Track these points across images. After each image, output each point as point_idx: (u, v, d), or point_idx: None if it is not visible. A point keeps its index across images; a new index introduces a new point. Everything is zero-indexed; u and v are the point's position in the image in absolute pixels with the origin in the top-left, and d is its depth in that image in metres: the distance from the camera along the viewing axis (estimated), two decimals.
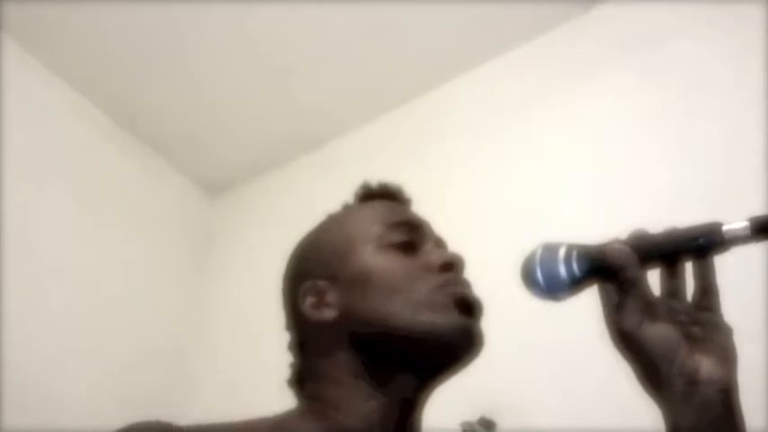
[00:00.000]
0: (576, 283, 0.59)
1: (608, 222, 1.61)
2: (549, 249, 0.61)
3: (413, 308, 0.72)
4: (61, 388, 1.92)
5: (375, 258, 0.77)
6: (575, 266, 0.60)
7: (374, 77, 2.23)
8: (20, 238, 1.95)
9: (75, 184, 2.21)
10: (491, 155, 1.99)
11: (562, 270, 0.60)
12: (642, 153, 1.72)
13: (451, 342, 0.72)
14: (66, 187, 2.18)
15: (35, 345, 1.91)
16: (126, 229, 2.31)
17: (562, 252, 0.60)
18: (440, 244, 0.84)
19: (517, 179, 1.90)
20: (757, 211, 1.51)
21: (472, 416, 1.52)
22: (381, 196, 0.89)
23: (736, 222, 0.56)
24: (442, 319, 0.72)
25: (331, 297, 0.77)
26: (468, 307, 0.74)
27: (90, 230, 2.20)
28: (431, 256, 0.78)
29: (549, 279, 0.60)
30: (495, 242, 1.71)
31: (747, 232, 0.55)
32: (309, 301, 0.78)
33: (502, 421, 1.52)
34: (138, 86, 2.30)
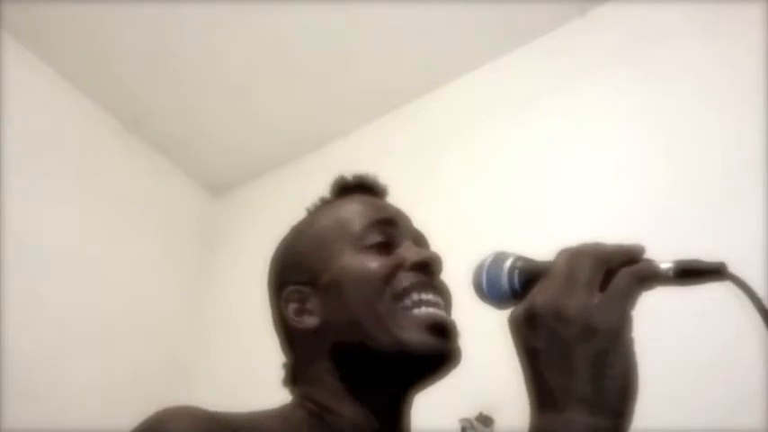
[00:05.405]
0: (517, 297, 0.59)
1: (607, 224, 1.62)
2: (498, 259, 0.61)
3: (387, 326, 0.73)
4: (62, 386, 1.92)
5: (350, 263, 0.77)
6: (516, 280, 0.60)
7: (376, 78, 2.23)
8: (22, 237, 1.95)
9: (79, 183, 2.21)
10: (493, 153, 1.99)
11: (504, 282, 0.60)
12: (641, 154, 1.72)
13: (427, 358, 0.73)
14: (69, 187, 2.18)
15: (35, 343, 1.91)
16: (129, 229, 2.31)
17: (508, 264, 0.61)
18: (418, 240, 0.83)
19: (517, 180, 1.90)
20: (756, 211, 1.50)
21: (471, 412, 1.52)
22: (358, 189, 0.88)
23: (661, 262, 0.54)
24: (416, 339, 0.72)
25: (312, 304, 0.78)
26: (441, 330, 0.74)
27: (93, 230, 2.20)
28: (406, 253, 0.78)
29: (492, 288, 0.61)
30: (495, 241, 1.71)
31: (670, 274, 0.53)
32: (292, 307, 0.80)
33: (500, 418, 1.52)
34: (141, 87, 2.31)
